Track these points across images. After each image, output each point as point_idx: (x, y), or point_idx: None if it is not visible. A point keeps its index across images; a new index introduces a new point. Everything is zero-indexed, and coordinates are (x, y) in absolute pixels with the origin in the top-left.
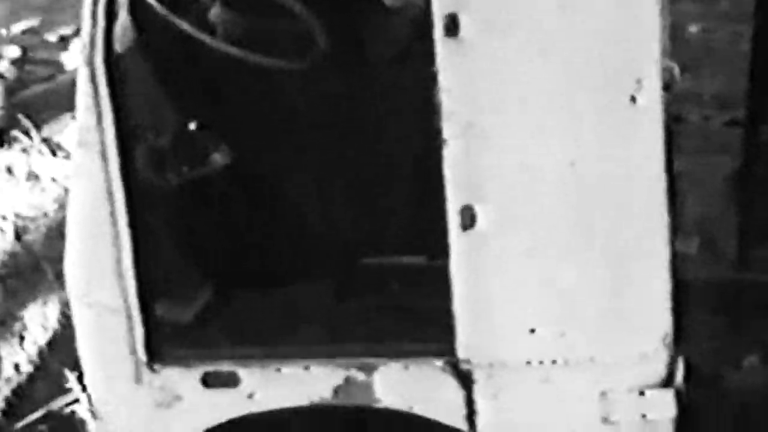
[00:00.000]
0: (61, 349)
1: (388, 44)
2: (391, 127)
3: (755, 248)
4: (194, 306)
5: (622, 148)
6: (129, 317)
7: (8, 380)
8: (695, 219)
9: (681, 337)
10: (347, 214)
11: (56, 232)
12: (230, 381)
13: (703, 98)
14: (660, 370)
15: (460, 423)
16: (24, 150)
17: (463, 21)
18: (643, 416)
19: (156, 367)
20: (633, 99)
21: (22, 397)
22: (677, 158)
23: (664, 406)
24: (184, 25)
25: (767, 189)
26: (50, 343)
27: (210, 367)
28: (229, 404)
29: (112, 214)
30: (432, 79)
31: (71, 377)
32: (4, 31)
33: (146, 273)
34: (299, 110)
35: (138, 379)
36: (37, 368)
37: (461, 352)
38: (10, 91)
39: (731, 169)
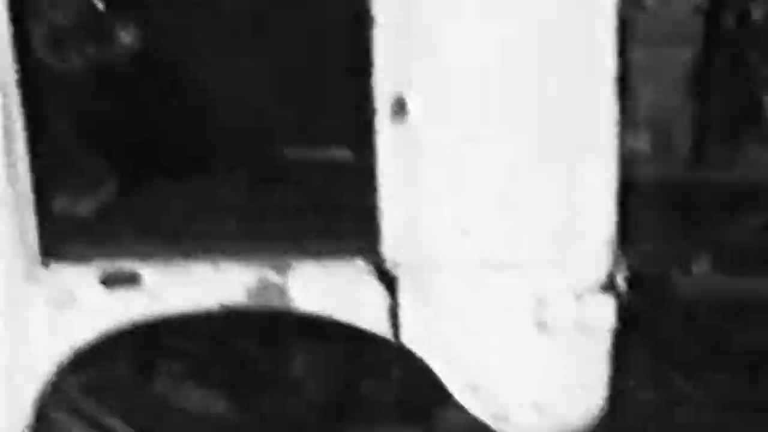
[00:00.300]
0: None
1: None
2: (317, 5)
3: (711, 144)
4: (96, 199)
5: (570, 33)
6: (21, 209)
7: None
8: (649, 113)
9: (626, 240)
10: (265, 101)
11: None
12: (131, 279)
13: None
14: (601, 275)
15: (383, 329)
16: None
17: None
18: (581, 322)
19: (50, 263)
20: None
21: None
22: (632, 48)
23: (604, 312)
24: None
25: (726, 81)
26: None
27: (109, 265)
28: (131, 305)
29: (4, 96)
30: None
31: None
32: None
33: (42, 163)
34: None
35: (31, 277)
36: None
37: (387, 253)
38: None
39: (690, 59)
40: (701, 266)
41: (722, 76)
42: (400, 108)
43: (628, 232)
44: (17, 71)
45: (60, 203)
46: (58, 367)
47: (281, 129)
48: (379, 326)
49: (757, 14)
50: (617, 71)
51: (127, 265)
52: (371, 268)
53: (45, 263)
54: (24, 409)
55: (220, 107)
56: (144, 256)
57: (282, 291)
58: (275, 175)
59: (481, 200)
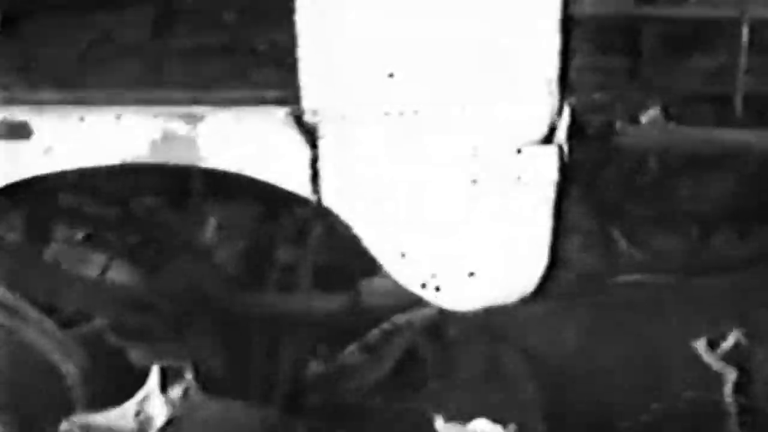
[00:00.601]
0: None
1: None
2: None
3: None
4: None
5: None
6: None
7: None
8: None
9: (567, 87)
10: None
11: None
12: (21, 132)
13: None
14: (541, 125)
15: (302, 187)
16: None
17: None
18: (519, 178)
19: None
20: None
21: None
22: None
23: (545, 165)
24: None
25: None
26: None
27: None
28: (22, 160)
29: None
30: None
31: None
32: None
33: None
34: None
35: None
36: None
37: (306, 102)
38: None
39: None
40: (650, 115)
41: None
42: None
43: (570, 78)
44: None
45: None
46: None
47: None
48: (298, 185)
49: None
50: None
51: (14, 114)
52: (290, 118)
53: None
54: None
55: None
56: (34, 104)
57: (190, 144)
58: (181, 11)
59: (411, 42)
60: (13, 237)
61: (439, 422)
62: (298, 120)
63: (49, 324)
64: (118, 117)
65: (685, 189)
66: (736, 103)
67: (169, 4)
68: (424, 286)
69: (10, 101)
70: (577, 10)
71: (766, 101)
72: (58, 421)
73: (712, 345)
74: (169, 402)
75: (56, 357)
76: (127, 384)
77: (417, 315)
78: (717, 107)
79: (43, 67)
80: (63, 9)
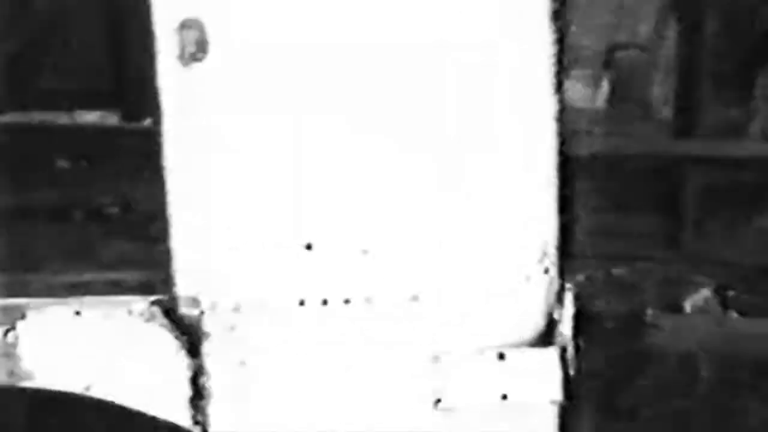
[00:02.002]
0: None
1: None
2: None
3: (706, 100)
4: None
5: None
6: None
7: None
8: (604, 46)
9: (570, 256)
10: None
11: None
12: None
13: None
14: (534, 316)
15: (178, 413)
16: None
17: None
18: (504, 398)
19: None
20: None
21: None
22: None
23: (541, 379)
24: None
25: None
26: None
27: None
28: None
29: None
30: None
31: None
32: None
33: None
34: None
35: None
36: None
37: (182, 287)
38: None
39: None
40: (697, 300)
41: None
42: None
43: (575, 245)
44: None
45: None
46: None
47: None
48: (171, 411)
49: None
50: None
51: None
52: (156, 310)
53: None
54: None
55: None
56: None
57: (6, 353)
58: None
59: (336, 189)
60: None
61: None
62: (170, 314)
63: None
64: None
65: (755, 417)
66: None
67: None
68: None
69: None
70: (582, 148)
71: None
72: None
73: None
74: None
75: None
76: None
77: None
78: None
79: None
80: None
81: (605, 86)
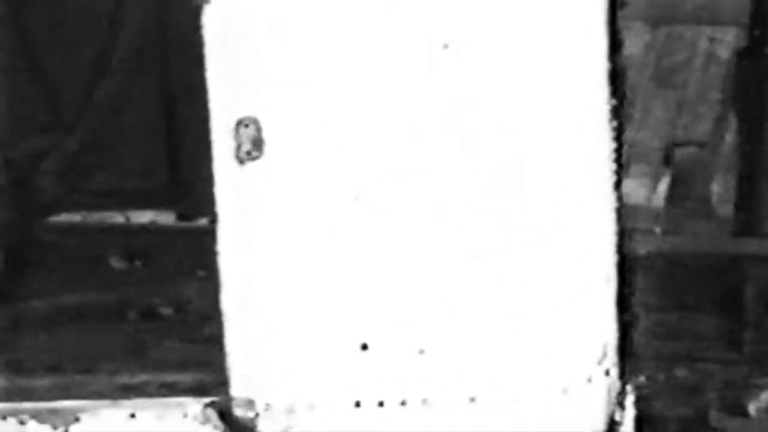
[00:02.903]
0: None
1: None
2: None
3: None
4: None
5: (532, 16)
6: None
7: None
8: (663, 143)
9: (632, 357)
10: (17, 141)
11: None
12: None
13: None
14: (594, 418)
15: None
16: None
17: None
18: None
19: None
20: None
21: None
22: (628, 32)
23: None
24: None
25: None
26: None
27: None
28: None
29: None
30: None
31: None
32: None
33: None
34: None
35: None
36: None
37: (236, 388)
38: None
39: (732, 51)
40: (762, 402)
41: None
42: (252, 147)
43: (635, 345)
44: None
45: None
46: None
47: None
48: None
49: None
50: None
51: None
52: (211, 413)
53: None
54: None
55: None
56: None
57: None
58: (46, 256)
59: (390, 297)
60: None
61: None
62: (224, 416)
63: None
64: None
65: None
66: None
67: (24, 248)
68: None
69: None
70: (639, 247)
71: None
72: None
73: None
74: None
75: None
76: None
77: None
78: None
79: None
80: None
81: (664, 184)
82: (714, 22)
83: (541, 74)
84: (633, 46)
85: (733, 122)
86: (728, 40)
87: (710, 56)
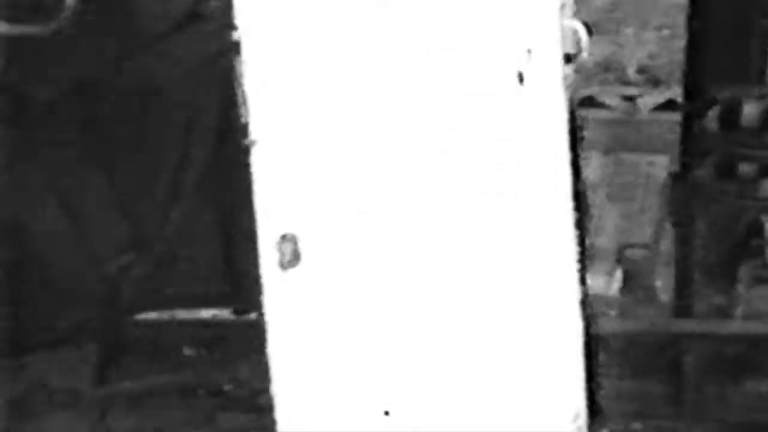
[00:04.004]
0: None
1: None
2: (173, 120)
3: (699, 287)
4: None
5: (507, 146)
6: None
7: None
8: (617, 247)
9: (598, 415)
10: (112, 249)
11: None
12: None
13: (625, 71)
14: None
15: None
16: None
17: None
18: None
19: None
20: (521, 78)
21: None
22: (588, 160)
23: None
24: None
25: (716, 203)
26: None
27: None
28: None
29: None
30: (233, 50)
31: None
32: None
33: None
34: (42, 98)
35: None
36: None
37: None
38: None
39: (665, 173)
40: None
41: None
42: (292, 257)
43: (600, 407)
44: None
45: None
46: None
47: (137, 287)
48: None
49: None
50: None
51: None
52: None
53: None
54: None
55: (51, 258)
56: None
57: None
58: (132, 349)
59: (408, 371)
60: None
61: None
62: None
63: None
64: None
65: None
66: None
67: (116, 340)
68: None
69: None
70: (603, 327)
71: None
72: None
73: None
74: None
75: None
76: None
77: None
78: None
79: None
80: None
81: (618, 278)
82: (652, 151)
83: (521, 198)
84: (590, 170)
85: (669, 229)
86: (663, 165)
87: (650, 177)
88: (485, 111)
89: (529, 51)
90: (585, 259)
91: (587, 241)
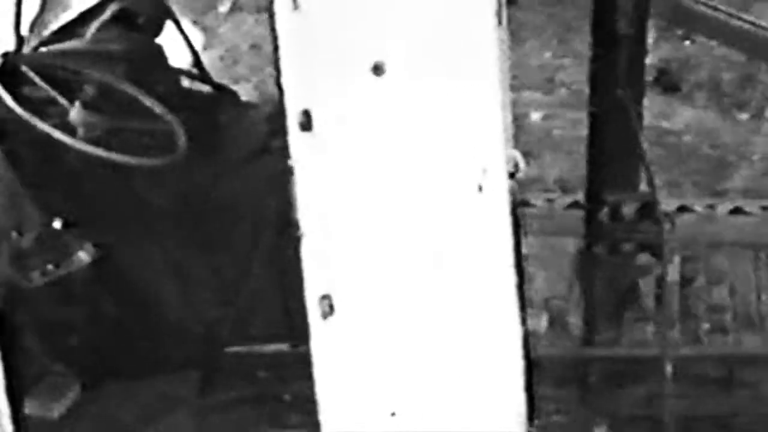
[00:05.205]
0: None
1: (246, 140)
2: (250, 220)
3: (598, 327)
4: (63, 402)
5: (471, 235)
6: None
7: None
8: (544, 298)
9: (533, 415)
10: (210, 305)
11: None
12: None
13: (547, 183)
14: None
15: None
16: None
17: (316, 115)
18: None
19: None
20: (480, 188)
21: None
22: (525, 241)
23: None
24: (45, 127)
25: (608, 269)
26: None
27: None
28: None
29: None
30: (289, 173)
31: None
32: None
33: (14, 370)
34: (161, 205)
35: None
36: None
37: None
38: None
39: (575, 249)
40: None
41: (603, 263)
42: (329, 310)
43: (535, 407)
44: None
45: (32, 407)
46: None
47: (227, 328)
48: None
49: (628, 210)
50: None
51: None
52: None
53: None
54: None
55: (170, 310)
56: None
57: None
58: (224, 372)
59: (406, 384)
60: None
61: None
62: None
63: None
64: None
65: None
66: (668, 423)
67: (213, 367)
68: None
69: None
70: (537, 353)
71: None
72: None
73: None
74: None
75: None
76: None
77: None
78: (653, 427)
79: (114, 424)
80: (127, 376)
81: (545, 319)
82: (566, 235)
83: (481, 270)
84: (527, 248)
85: (578, 286)
86: (573, 244)
87: (565, 253)
88: (456, 210)
89: (484, 170)
90: (524, 307)
91: (525, 295)
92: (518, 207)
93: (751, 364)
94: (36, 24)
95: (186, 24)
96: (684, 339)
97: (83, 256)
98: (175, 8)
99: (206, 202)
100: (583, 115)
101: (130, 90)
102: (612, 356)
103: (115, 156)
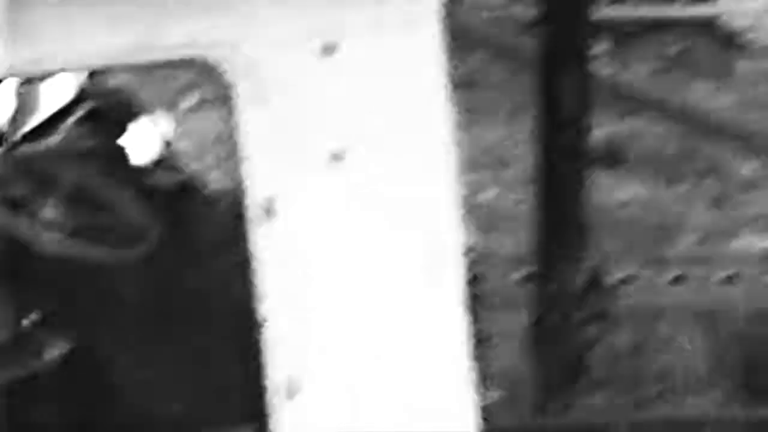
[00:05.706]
0: None
1: (209, 232)
2: (217, 309)
3: (551, 396)
4: None
5: (428, 314)
6: None
7: None
8: (499, 371)
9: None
10: (180, 393)
11: None
12: None
13: (499, 258)
14: None
15: None
16: None
17: (279, 204)
18: None
19: None
20: (435, 268)
21: None
22: (480, 317)
23: None
24: (20, 226)
25: (559, 341)
26: None
27: None
28: None
29: None
30: (252, 260)
31: None
32: None
33: None
34: (131, 300)
35: None
36: None
37: None
38: None
39: (527, 322)
40: None
41: (554, 335)
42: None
43: None
44: None
45: None
46: None
47: (198, 415)
48: None
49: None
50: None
51: None
52: None
53: None
54: None
55: (142, 403)
56: None
57: None
58: None
59: None
60: None
61: None
62: None
63: None
64: None
65: None
66: None
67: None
68: None
69: None
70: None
71: None
72: None
73: None
74: None
75: None
76: None
77: None
78: None
79: None
80: None
81: (498, 391)
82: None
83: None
84: None
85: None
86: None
87: None
88: (414, 291)
89: (440, 250)
90: (480, 379)
91: (481, 367)
92: (473, 282)
93: (698, 427)
94: (11, 123)
95: (157, 114)
96: (634, 404)
97: (54, 352)
98: (144, 102)
99: (172, 293)
100: (528, 193)
101: (103, 186)
102: (565, 425)
103: (84, 252)
